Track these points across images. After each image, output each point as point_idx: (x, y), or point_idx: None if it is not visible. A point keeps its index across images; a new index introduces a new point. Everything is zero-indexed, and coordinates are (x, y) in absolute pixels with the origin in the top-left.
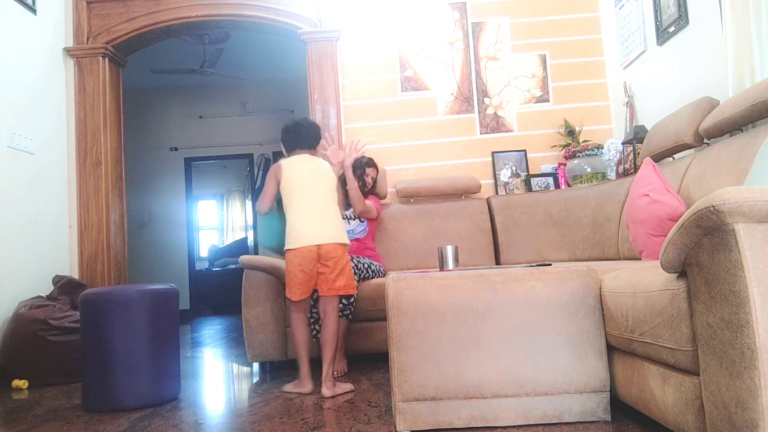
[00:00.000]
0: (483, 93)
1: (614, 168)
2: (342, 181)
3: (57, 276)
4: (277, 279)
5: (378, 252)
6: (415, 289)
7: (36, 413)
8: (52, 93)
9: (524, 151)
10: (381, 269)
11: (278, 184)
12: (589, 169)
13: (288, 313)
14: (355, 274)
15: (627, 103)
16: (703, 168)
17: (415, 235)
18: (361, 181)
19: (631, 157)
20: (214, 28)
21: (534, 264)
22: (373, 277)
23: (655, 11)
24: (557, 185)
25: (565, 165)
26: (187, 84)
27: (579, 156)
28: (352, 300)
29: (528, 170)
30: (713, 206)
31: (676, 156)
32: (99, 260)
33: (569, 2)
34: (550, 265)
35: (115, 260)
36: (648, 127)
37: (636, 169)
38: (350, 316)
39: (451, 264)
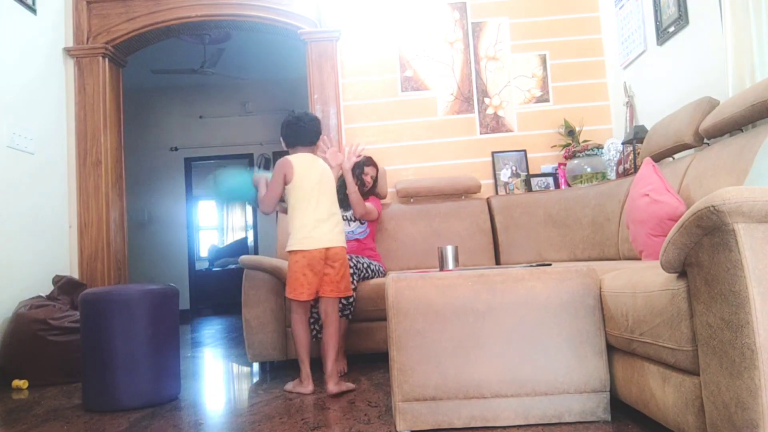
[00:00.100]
0: (483, 93)
1: (614, 168)
2: (341, 183)
3: (57, 276)
4: (278, 279)
5: (378, 252)
6: (415, 289)
7: (36, 413)
8: (52, 93)
9: (524, 151)
10: (381, 269)
11: (284, 182)
12: (589, 169)
13: (289, 313)
14: (355, 274)
15: (627, 103)
16: (703, 168)
17: (415, 235)
18: (359, 180)
19: (631, 157)
20: (214, 28)
21: (534, 264)
22: (372, 277)
23: (655, 11)
24: (557, 185)
25: (565, 165)
26: (187, 84)
27: (579, 156)
28: (351, 300)
29: (528, 170)
30: (713, 206)
31: (676, 156)
32: (99, 260)
33: (569, 2)
34: (550, 265)
35: (115, 260)
36: (648, 127)
37: (636, 169)
38: (350, 316)
39: (451, 264)
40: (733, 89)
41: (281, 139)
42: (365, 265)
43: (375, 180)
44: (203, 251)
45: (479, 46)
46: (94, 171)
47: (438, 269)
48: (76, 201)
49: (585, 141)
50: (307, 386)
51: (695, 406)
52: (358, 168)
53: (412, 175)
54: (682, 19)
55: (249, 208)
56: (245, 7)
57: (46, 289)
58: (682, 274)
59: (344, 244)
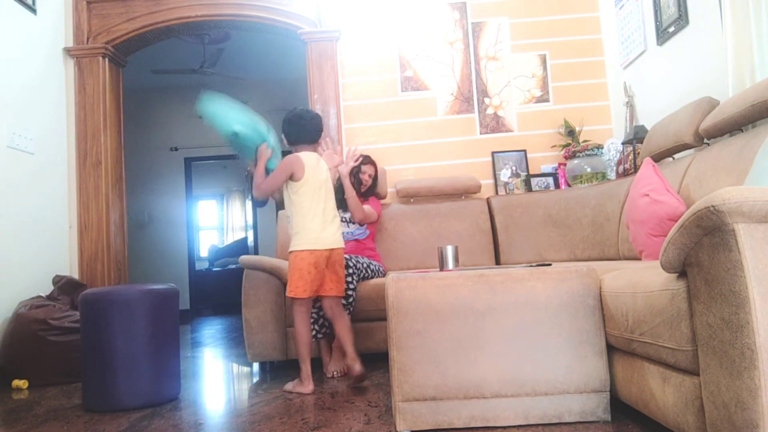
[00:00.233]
0: (483, 93)
1: (614, 168)
2: (338, 186)
3: (57, 276)
4: (278, 279)
5: (378, 252)
6: (415, 289)
7: (36, 413)
8: (52, 93)
9: (524, 151)
10: (380, 269)
11: (290, 179)
12: (589, 169)
13: (290, 313)
14: (354, 274)
15: (627, 103)
16: (703, 168)
17: (415, 235)
18: (355, 178)
19: (631, 157)
20: (214, 28)
21: (534, 264)
22: (372, 277)
23: (655, 11)
24: (557, 185)
25: (565, 165)
26: (187, 84)
27: (579, 156)
28: (351, 300)
29: (528, 170)
30: (713, 206)
31: (676, 156)
32: (99, 260)
33: (569, 2)
34: (550, 265)
35: (115, 260)
36: (648, 127)
37: (636, 169)
38: (350, 314)
39: (451, 264)
40: (733, 89)
41: (283, 136)
42: (365, 265)
43: (374, 179)
44: (203, 251)
45: (479, 46)
46: (94, 171)
47: (438, 269)
48: (76, 202)
49: (585, 141)
50: (308, 386)
51: (695, 406)
52: (355, 167)
53: (412, 175)
54: (682, 19)
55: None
56: (245, 7)
57: (46, 289)
58: (682, 274)
59: (343, 245)
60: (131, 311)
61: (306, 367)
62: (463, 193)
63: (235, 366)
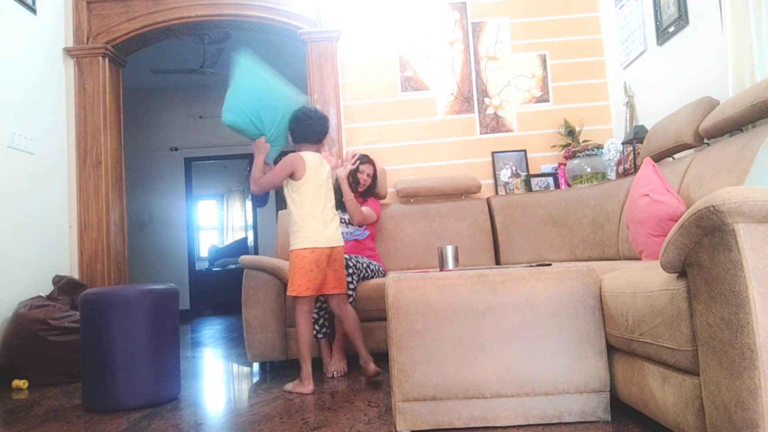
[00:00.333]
0: (483, 93)
1: (614, 168)
2: (336, 188)
3: (57, 276)
4: (278, 279)
5: (378, 252)
6: (415, 289)
7: (36, 413)
8: (52, 93)
9: (524, 151)
10: (380, 269)
11: (290, 177)
12: (589, 169)
13: (290, 313)
14: (354, 273)
15: (627, 103)
16: (703, 168)
17: (415, 235)
18: (353, 178)
19: (631, 157)
20: (214, 28)
21: (534, 264)
22: (372, 277)
23: (655, 11)
24: (557, 185)
25: (565, 165)
26: (187, 84)
27: (579, 156)
28: (351, 300)
29: (528, 170)
30: (713, 206)
31: (676, 156)
32: (99, 260)
33: (569, 2)
34: (550, 265)
35: (115, 260)
36: (648, 127)
37: (636, 169)
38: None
39: (451, 264)
40: (733, 89)
41: (288, 132)
42: (365, 265)
43: (373, 179)
44: (203, 251)
45: (479, 46)
46: (94, 171)
47: (438, 269)
48: (76, 202)
49: (585, 141)
50: (308, 386)
51: (695, 406)
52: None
53: (412, 175)
54: (682, 19)
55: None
56: (245, 7)
57: (46, 289)
58: (682, 274)
59: (343, 244)
60: (131, 311)
61: (307, 367)
62: (463, 193)
63: (235, 366)
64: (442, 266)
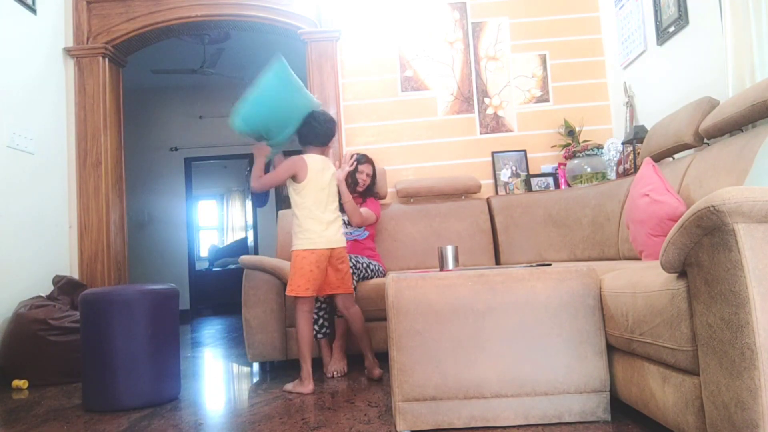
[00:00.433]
0: (483, 93)
1: (614, 168)
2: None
3: (57, 276)
4: (278, 279)
5: (378, 252)
6: (415, 289)
7: (36, 413)
8: (51, 93)
9: (524, 151)
10: (380, 269)
11: (291, 179)
12: (589, 169)
13: (290, 313)
14: (354, 273)
15: (627, 103)
16: (703, 168)
17: (415, 235)
18: (352, 178)
19: (631, 157)
20: (214, 28)
21: (534, 264)
22: (372, 277)
23: (655, 11)
24: (557, 185)
25: (565, 165)
26: (187, 84)
27: (579, 156)
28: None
29: (528, 170)
30: (713, 206)
31: (676, 156)
32: (99, 260)
33: (569, 2)
34: (550, 265)
35: (115, 260)
36: (648, 127)
37: (636, 169)
38: None
39: (451, 264)
40: (733, 89)
41: (296, 135)
42: (365, 265)
43: (372, 178)
44: (203, 251)
45: (479, 46)
46: (94, 171)
47: (438, 269)
48: (76, 202)
49: (585, 141)
50: (308, 386)
51: (695, 406)
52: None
53: (412, 175)
54: (682, 19)
55: (249, 208)
56: (245, 7)
57: (46, 289)
58: (682, 274)
59: (345, 244)
60: (131, 311)
61: (307, 367)
62: (463, 193)
63: (235, 366)
64: (442, 266)
